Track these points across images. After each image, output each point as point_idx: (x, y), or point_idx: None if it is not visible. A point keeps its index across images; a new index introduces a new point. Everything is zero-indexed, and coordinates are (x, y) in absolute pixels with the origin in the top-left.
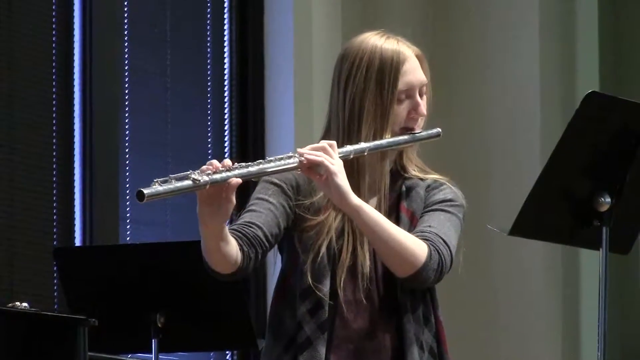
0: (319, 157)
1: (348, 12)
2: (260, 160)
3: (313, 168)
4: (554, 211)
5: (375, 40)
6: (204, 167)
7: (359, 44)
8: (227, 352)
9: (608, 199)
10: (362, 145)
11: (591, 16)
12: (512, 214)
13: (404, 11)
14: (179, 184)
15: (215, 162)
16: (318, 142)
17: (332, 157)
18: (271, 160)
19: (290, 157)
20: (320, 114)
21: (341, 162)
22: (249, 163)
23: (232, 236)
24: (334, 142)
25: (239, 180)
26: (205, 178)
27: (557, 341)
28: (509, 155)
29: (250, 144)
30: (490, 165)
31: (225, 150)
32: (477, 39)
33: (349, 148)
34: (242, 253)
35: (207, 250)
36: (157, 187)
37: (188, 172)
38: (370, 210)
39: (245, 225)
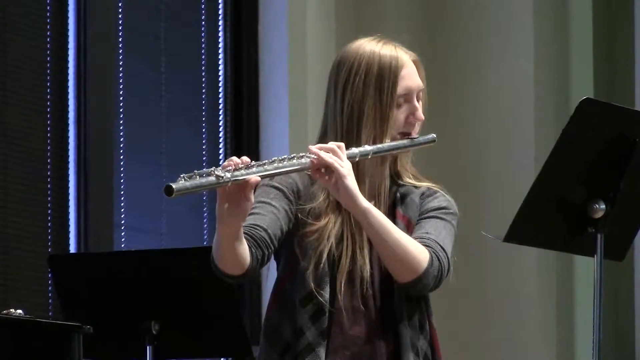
0: (330, 158)
1: (342, 18)
2: (275, 159)
3: (322, 169)
4: (548, 218)
5: (373, 46)
6: (224, 163)
7: (356, 49)
8: (221, 359)
9: (602, 206)
10: (367, 147)
11: (585, 23)
12: (507, 221)
13: (398, 17)
14: (204, 180)
15: (234, 158)
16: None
17: (341, 159)
18: (284, 159)
19: (302, 157)
20: (315, 121)
21: (350, 165)
22: (265, 161)
23: None
24: (343, 144)
25: (258, 179)
26: (227, 175)
27: (552, 348)
28: (503, 162)
29: (244, 150)
30: (484, 172)
31: (220, 157)
32: (471, 48)
33: (354, 150)
34: (250, 255)
35: (221, 250)
36: (184, 183)
37: (211, 169)
38: (377, 214)
39: (251, 227)
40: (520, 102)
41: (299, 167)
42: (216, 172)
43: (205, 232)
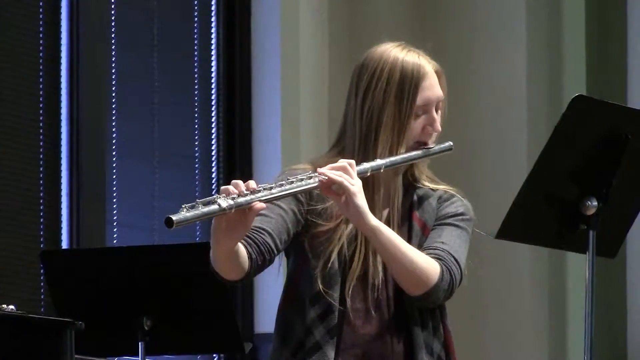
0: (339, 177)
1: (335, 15)
2: (282, 182)
3: (332, 188)
4: (540, 215)
5: (397, 53)
6: (230, 188)
7: (380, 54)
8: (214, 356)
9: (595, 203)
10: (379, 162)
11: (578, 20)
12: (499, 218)
13: (390, 17)
14: (206, 209)
15: (240, 183)
16: (334, 149)
17: (351, 177)
18: (292, 181)
19: (310, 178)
20: (307, 116)
21: (360, 182)
22: (272, 185)
23: (242, 242)
24: (353, 162)
25: (263, 205)
26: (231, 202)
27: (544, 344)
28: (496, 159)
29: (237, 147)
30: (477, 169)
31: (212, 153)
32: (463, 46)
33: (365, 166)
34: (250, 260)
35: (217, 261)
36: (184, 214)
37: (214, 197)
38: (386, 231)
39: (256, 231)
40: (513, 99)
41: (306, 187)
42: (219, 201)
43: (197, 228)
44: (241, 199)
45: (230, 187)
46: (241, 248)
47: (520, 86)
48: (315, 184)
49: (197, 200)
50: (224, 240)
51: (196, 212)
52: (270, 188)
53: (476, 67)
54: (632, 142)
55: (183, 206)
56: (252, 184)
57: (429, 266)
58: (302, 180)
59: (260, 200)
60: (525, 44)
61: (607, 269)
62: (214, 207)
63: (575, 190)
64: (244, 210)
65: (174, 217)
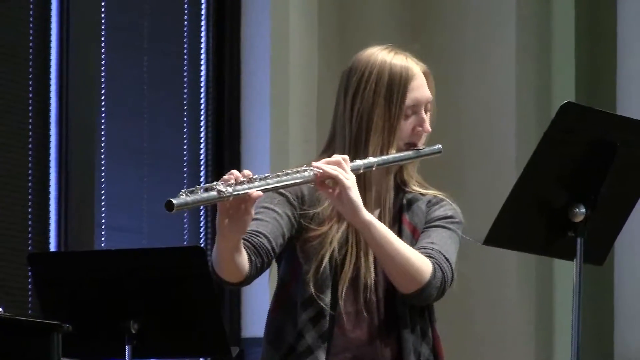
0: (334, 170)
1: (325, 18)
2: (278, 173)
3: (326, 182)
4: (528, 221)
5: (384, 55)
6: (225, 177)
7: (368, 57)
8: (200, 359)
9: (583, 210)
10: (371, 159)
11: (567, 27)
12: (487, 224)
13: (380, 22)
14: (205, 195)
15: (236, 172)
16: (324, 154)
17: (346, 171)
18: (288, 173)
19: (305, 171)
20: (296, 119)
21: (354, 177)
22: (267, 175)
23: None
24: (347, 157)
25: (260, 193)
26: (229, 189)
27: (531, 351)
28: (484, 164)
29: (226, 150)
30: (465, 175)
31: (201, 157)
32: (453, 50)
33: (358, 163)
34: (250, 262)
35: (220, 260)
36: (185, 198)
37: (213, 183)
38: (380, 226)
39: (253, 234)
40: (502, 105)
41: (302, 180)
42: (218, 187)
43: (185, 231)
44: (239, 187)
45: (226, 176)
46: (243, 249)
47: (510, 93)
48: (311, 177)
49: (197, 186)
50: (229, 232)
51: (196, 196)
52: (266, 178)
53: (465, 72)
54: (621, 149)
55: (182, 191)
56: (247, 172)
57: (422, 263)
58: (297, 172)
59: (257, 189)
60: (514, 50)
61: (595, 274)
62: (213, 193)
63: (564, 197)
64: (242, 198)
65: (175, 201)
